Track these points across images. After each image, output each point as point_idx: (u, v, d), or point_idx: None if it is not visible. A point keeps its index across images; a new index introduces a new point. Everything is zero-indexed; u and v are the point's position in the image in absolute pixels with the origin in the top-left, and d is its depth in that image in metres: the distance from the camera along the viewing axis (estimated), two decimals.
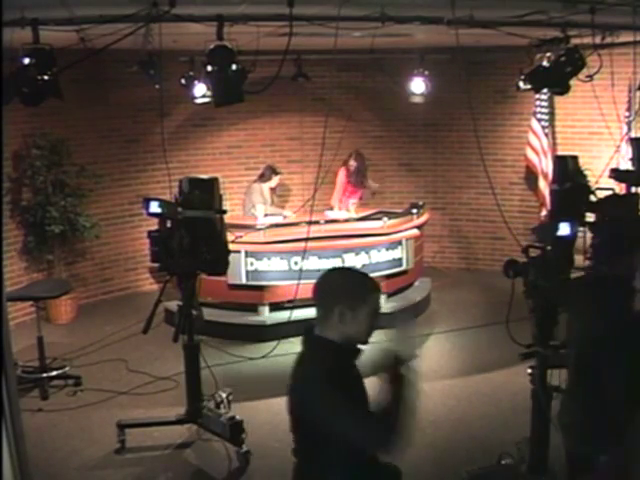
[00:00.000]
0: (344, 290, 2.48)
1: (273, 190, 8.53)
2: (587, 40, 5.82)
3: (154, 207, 4.56)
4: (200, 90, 7.39)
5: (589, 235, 4.77)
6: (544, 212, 8.13)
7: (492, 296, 7.74)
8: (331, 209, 8.36)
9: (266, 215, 7.96)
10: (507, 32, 5.42)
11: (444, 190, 9.30)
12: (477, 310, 7.59)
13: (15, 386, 2.57)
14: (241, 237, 6.89)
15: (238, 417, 4.75)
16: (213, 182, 4.74)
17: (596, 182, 4.89)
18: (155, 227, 4.72)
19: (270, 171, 8.33)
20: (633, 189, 5.08)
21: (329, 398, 2.42)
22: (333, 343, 2.49)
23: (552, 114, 8.43)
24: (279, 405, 5.55)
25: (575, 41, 5.84)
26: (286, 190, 9.28)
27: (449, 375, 5.92)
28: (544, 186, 8.22)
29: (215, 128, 8.90)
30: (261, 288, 7.04)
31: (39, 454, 4.68)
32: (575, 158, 4.77)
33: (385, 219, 7.61)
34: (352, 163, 8.27)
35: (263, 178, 8.33)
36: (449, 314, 7.50)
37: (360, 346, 2.55)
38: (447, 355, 6.49)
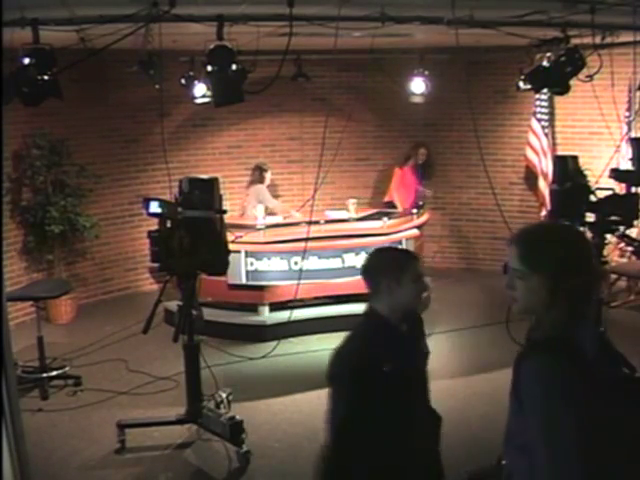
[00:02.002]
0: (384, 267, 2.81)
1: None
2: (587, 40, 5.83)
3: (154, 207, 4.56)
4: (200, 90, 7.39)
5: (589, 235, 4.78)
6: (544, 212, 8.13)
7: (492, 296, 7.74)
8: (391, 205, 8.55)
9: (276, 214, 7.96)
10: (507, 32, 5.43)
11: (444, 190, 9.30)
12: (477, 310, 7.59)
13: (15, 386, 2.57)
14: (241, 237, 6.89)
15: (238, 417, 4.75)
16: (213, 182, 4.73)
17: (596, 182, 4.90)
18: (155, 227, 4.72)
19: (259, 172, 8.30)
20: (633, 189, 5.08)
21: (338, 373, 2.78)
22: (375, 313, 2.82)
23: (552, 114, 8.43)
24: (279, 405, 5.59)
25: (575, 41, 5.84)
26: (287, 190, 9.28)
27: (449, 375, 5.92)
28: (544, 186, 8.22)
29: (215, 128, 8.90)
30: (261, 288, 7.03)
31: (39, 454, 4.68)
32: (575, 158, 4.77)
33: (385, 219, 7.61)
34: (423, 151, 8.63)
35: (259, 179, 8.31)
36: (449, 314, 7.50)
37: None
38: (447, 355, 6.49)
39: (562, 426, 1.83)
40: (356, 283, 7.03)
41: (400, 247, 3.05)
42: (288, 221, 7.81)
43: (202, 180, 4.81)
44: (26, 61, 4.39)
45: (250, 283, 6.94)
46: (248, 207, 8.25)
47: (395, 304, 2.77)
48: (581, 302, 1.91)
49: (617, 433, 1.85)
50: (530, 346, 1.98)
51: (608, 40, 5.92)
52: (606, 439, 1.82)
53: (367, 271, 2.84)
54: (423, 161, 8.72)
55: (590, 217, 4.67)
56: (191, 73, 7.50)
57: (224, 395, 5.22)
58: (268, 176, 8.35)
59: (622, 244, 6.39)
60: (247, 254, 6.87)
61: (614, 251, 7.24)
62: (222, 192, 4.81)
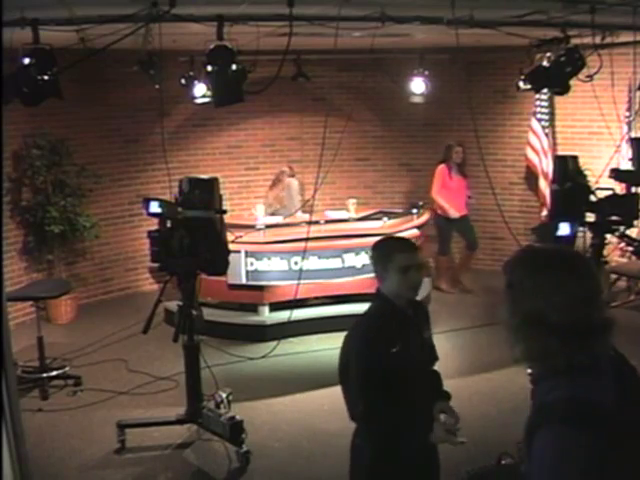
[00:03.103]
0: (375, 256, 3.04)
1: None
2: (587, 40, 5.83)
3: (154, 207, 4.56)
4: (200, 90, 7.39)
5: (589, 235, 4.78)
6: (544, 212, 8.13)
7: (492, 296, 7.73)
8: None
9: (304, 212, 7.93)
10: (507, 32, 5.43)
11: None
12: (477, 310, 7.58)
13: (15, 386, 2.57)
14: (241, 237, 6.89)
15: (238, 417, 4.75)
16: (213, 182, 4.73)
17: (596, 182, 4.90)
18: (155, 227, 4.72)
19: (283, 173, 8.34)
20: (633, 189, 5.09)
21: (348, 355, 2.92)
22: (381, 295, 3.00)
23: (552, 114, 8.43)
24: (279, 405, 5.59)
25: (575, 41, 5.84)
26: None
27: (449, 375, 5.85)
28: (544, 186, 8.23)
29: (215, 128, 8.90)
30: (261, 288, 7.03)
31: (39, 454, 4.68)
32: (575, 158, 4.78)
33: (385, 219, 7.61)
34: (458, 149, 8.12)
35: (290, 172, 8.33)
36: (449, 314, 7.50)
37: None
38: (447, 355, 6.46)
39: None
40: (356, 283, 7.12)
41: (400, 237, 3.30)
42: (288, 221, 7.81)
43: (202, 180, 4.81)
44: (26, 61, 4.39)
45: (250, 283, 6.94)
46: (285, 198, 8.16)
47: (390, 290, 2.95)
48: (580, 346, 1.68)
49: None
50: (544, 413, 1.70)
51: (608, 40, 5.92)
52: None
53: (370, 257, 3.11)
54: (461, 160, 8.18)
55: (590, 217, 4.67)
56: (191, 73, 7.49)
57: (224, 395, 5.21)
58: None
59: (622, 244, 6.39)
60: (247, 254, 6.87)
61: (614, 251, 7.23)
62: (222, 192, 4.81)
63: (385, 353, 2.80)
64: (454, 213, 8.10)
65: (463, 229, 8.32)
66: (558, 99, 8.07)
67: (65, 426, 5.25)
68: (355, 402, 2.88)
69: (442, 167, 8.21)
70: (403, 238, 3.15)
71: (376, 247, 3.08)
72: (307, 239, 6.35)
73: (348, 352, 2.92)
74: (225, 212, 4.81)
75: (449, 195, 8.17)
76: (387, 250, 2.98)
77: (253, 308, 7.10)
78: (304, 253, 6.51)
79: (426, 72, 7.95)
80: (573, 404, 1.65)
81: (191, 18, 4.59)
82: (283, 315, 6.89)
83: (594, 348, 1.70)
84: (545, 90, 6.91)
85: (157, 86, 6.33)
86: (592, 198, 4.60)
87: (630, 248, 5.62)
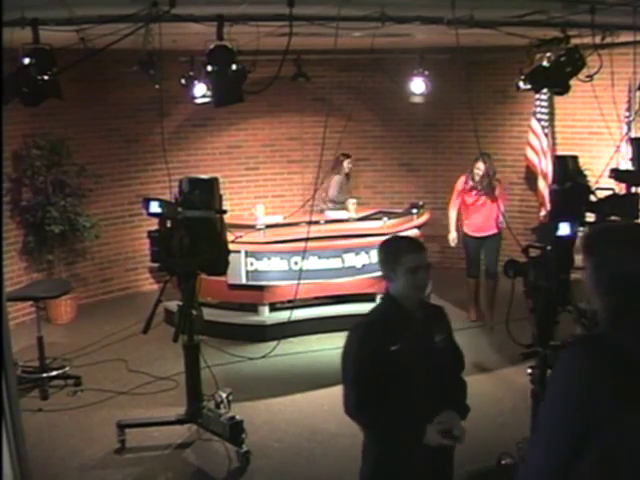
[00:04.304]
0: (383, 258, 2.99)
1: (347, 177, 8.56)
2: (587, 40, 5.82)
3: (154, 207, 4.56)
4: (200, 90, 7.40)
5: None
6: (544, 212, 8.13)
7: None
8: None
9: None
10: (507, 32, 5.42)
11: (444, 190, 9.27)
12: None
13: (15, 386, 2.57)
14: (241, 237, 6.89)
15: (238, 417, 4.75)
16: (213, 182, 4.74)
17: (596, 182, 4.89)
18: (155, 227, 4.72)
19: (339, 159, 8.31)
20: (633, 189, 5.08)
21: (347, 347, 2.92)
22: (389, 295, 2.99)
23: (552, 114, 8.43)
24: (279, 405, 5.59)
25: (575, 41, 5.84)
26: (287, 190, 9.28)
27: None
28: (544, 186, 8.23)
29: (215, 128, 8.90)
30: (261, 288, 7.03)
31: (39, 454, 4.68)
32: (575, 158, 4.77)
33: (385, 219, 7.61)
34: (479, 166, 7.09)
35: (335, 170, 8.34)
36: (449, 314, 7.45)
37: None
38: None
39: (553, 421, 1.85)
40: (356, 283, 7.12)
41: (407, 237, 3.23)
42: (288, 221, 7.81)
43: (202, 180, 4.81)
44: (26, 61, 4.39)
45: (250, 283, 6.94)
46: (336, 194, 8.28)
47: (398, 291, 2.92)
48: (633, 300, 1.81)
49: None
50: (572, 340, 1.99)
51: (608, 40, 5.91)
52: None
53: (377, 259, 3.06)
54: (479, 178, 7.15)
55: (590, 217, 4.66)
56: (191, 73, 7.50)
57: (224, 395, 5.21)
58: (345, 163, 8.40)
59: None
60: (247, 254, 6.87)
61: None
62: (222, 192, 4.81)
63: (383, 350, 2.78)
64: (453, 238, 7.29)
65: (485, 251, 7.28)
66: (558, 99, 8.07)
67: (65, 426, 5.25)
68: (348, 396, 2.88)
69: (463, 177, 7.37)
70: (409, 237, 3.13)
71: (383, 248, 3.00)
72: (307, 239, 6.35)
73: (346, 346, 2.92)
74: (225, 212, 4.82)
75: (468, 210, 7.27)
76: (395, 251, 2.92)
77: (253, 308, 7.10)
78: (304, 253, 6.51)
79: (426, 72, 7.95)
80: (594, 334, 1.88)
81: (191, 18, 4.59)
82: (283, 315, 6.89)
83: None
84: (545, 90, 6.90)
85: (157, 86, 6.32)
86: (592, 198, 4.59)
87: None
